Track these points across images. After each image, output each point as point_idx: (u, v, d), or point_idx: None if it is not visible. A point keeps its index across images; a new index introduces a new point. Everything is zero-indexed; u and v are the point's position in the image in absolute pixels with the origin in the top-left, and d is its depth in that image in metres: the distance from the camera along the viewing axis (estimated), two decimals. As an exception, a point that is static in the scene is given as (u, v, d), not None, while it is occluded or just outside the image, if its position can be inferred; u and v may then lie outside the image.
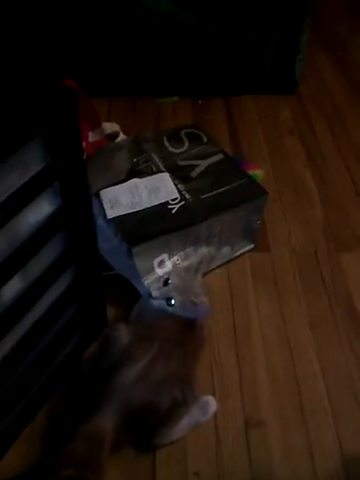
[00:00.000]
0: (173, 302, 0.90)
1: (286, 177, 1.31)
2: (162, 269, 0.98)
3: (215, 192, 1.04)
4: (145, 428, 0.78)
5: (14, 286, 0.67)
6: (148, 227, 0.96)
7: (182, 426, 0.79)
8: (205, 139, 1.17)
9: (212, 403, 0.85)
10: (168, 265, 0.98)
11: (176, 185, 1.04)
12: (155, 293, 0.94)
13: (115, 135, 1.25)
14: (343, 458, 0.83)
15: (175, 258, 0.99)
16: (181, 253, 1.00)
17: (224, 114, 1.51)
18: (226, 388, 0.90)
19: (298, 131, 1.48)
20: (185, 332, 0.89)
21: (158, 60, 1.45)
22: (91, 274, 0.84)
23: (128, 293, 0.99)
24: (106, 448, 0.73)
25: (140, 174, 1.05)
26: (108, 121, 1.31)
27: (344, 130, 1.49)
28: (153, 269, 0.98)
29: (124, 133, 1.26)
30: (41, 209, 0.68)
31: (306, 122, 1.52)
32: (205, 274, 1.06)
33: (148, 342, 0.82)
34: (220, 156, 1.12)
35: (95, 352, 0.86)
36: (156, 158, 1.09)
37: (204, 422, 0.83)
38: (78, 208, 0.73)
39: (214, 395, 0.88)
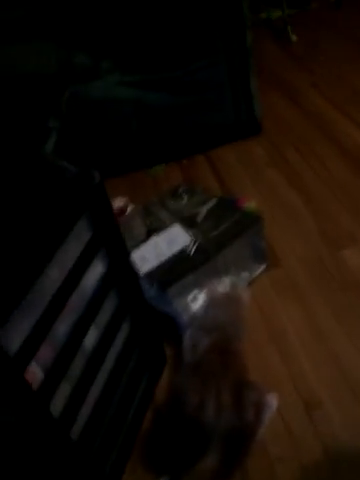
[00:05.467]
0: None
1: (276, 202, 1.52)
2: (196, 303, 1.15)
3: (220, 229, 1.23)
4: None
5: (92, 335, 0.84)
6: (174, 272, 1.15)
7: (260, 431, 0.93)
8: (199, 190, 1.38)
9: (273, 399, 0.99)
10: (200, 298, 1.15)
11: (187, 232, 1.23)
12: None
13: (125, 207, 1.45)
14: None
15: (205, 291, 1.16)
16: (209, 286, 1.18)
17: (208, 167, 1.74)
18: (279, 384, 1.04)
19: (273, 162, 1.70)
20: (224, 354, 1.01)
21: (140, 138, 1.69)
22: (145, 321, 1.01)
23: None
24: None
25: (156, 231, 1.25)
26: (115, 197, 1.51)
27: (311, 151, 1.72)
28: (188, 305, 1.15)
29: (132, 202, 1.46)
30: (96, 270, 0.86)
31: (277, 153, 1.74)
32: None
33: (206, 387, 0.93)
34: (215, 200, 1.33)
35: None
36: (164, 216, 1.29)
37: (270, 416, 0.97)
38: (123, 266, 0.91)
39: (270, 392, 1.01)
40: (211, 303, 1.12)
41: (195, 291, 1.16)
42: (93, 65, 1.57)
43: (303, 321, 1.17)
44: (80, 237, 0.81)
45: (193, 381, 0.96)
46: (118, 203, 1.44)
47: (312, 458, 0.92)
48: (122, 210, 1.41)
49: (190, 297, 1.16)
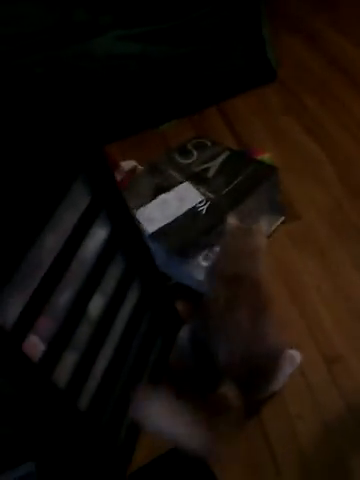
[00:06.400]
0: None
1: (293, 151, 1.44)
2: (207, 261, 1.11)
3: (233, 185, 1.17)
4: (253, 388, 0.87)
5: (97, 302, 0.81)
6: (186, 233, 1.10)
7: (279, 380, 0.91)
8: (209, 143, 1.31)
9: (297, 355, 0.96)
10: (211, 256, 1.11)
11: (198, 189, 1.18)
12: None
13: (134, 170, 1.41)
14: None
15: (216, 249, 1.12)
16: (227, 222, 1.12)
17: (221, 119, 1.65)
18: (299, 340, 1.00)
19: (290, 110, 1.60)
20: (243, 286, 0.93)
21: (147, 95, 1.62)
22: (155, 283, 0.98)
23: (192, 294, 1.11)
24: (234, 415, 0.81)
25: (165, 190, 1.20)
26: (124, 160, 1.47)
27: (330, 95, 1.61)
28: (200, 264, 1.11)
29: (141, 165, 1.41)
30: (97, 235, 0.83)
31: (294, 100, 1.64)
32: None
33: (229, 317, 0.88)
34: (227, 153, 1.26)
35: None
36: (173, 173, 1.24)
37: (292, 372, 0.94)
38: (127, 228, 0.88)
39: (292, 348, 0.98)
40: (228, 236, 1.03)
41: (206, 250, 1.12)
42: (92, 21, 1.49)
43: (323, 274, 1.12)
44: (78, 202, 0.78)
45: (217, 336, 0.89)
46: (127, 166, 1.39)
47: (334, 413, 0.89)
48: (132, 172, 1.37)
49: (202, 256, 1.12)
